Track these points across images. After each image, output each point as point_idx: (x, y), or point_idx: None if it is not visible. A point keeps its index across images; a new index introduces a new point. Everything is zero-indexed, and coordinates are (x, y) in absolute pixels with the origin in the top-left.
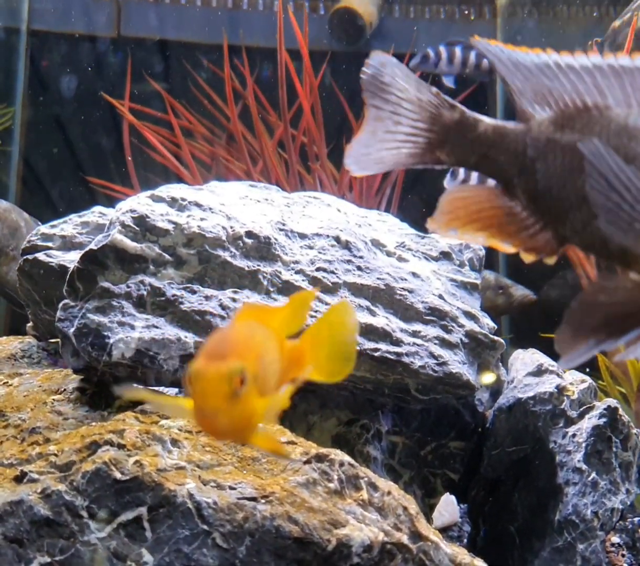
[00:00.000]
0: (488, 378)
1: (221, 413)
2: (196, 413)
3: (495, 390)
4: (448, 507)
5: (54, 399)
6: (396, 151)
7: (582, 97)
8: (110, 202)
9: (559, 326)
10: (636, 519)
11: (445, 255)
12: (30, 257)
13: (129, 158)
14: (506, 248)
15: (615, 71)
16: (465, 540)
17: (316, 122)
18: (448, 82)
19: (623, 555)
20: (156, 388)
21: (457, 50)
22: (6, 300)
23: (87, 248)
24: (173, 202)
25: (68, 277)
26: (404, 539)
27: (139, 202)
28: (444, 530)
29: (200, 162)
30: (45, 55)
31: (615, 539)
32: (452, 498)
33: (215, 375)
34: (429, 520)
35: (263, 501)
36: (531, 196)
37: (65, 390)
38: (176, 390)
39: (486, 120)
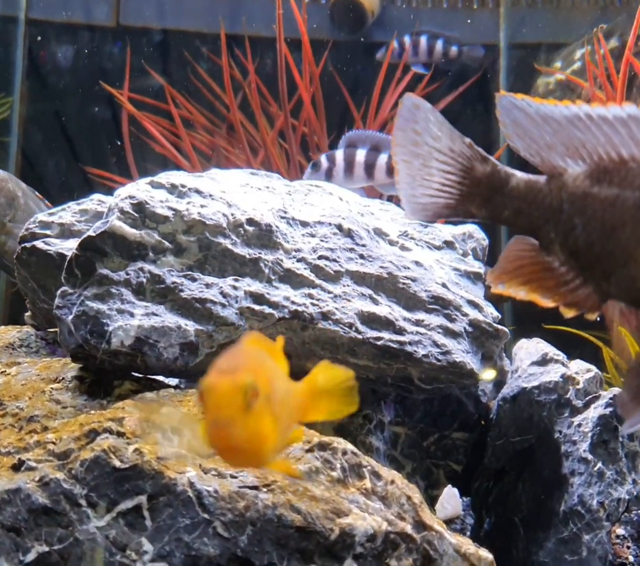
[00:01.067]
0: (488, 374)
1: (235, 426)
2: (209, 430)
3: (499, 380)
4: (451, 500)
5: (52, 388)
6: (434, 200)
7: (617, 149)
8: (110, 192)
9: (621, 389)
10: None
11: (448, 245)
12: (28, 244)
13: (128, 146)
14: (546, 302)
15: None
16: (468, 533)
17: (317, 112)
18: (417, 69)
19: (628, 547)
20: (156, 377)
21: (423, 40)
22: (5, 272)
23: (85, 235)
24: (173, 189)
25: (66, 264)
26: (408, 528)
27: (138, 189)
28: (446, 523)
29: (200, 153)
30: (43, 45)
31: (620, 531)
32: (455, 490)
33: (228, 387)
34: (433, 512)
35: (265, 490)
36: (571, 252)
37: (63, 378)
38: (176, 380)
39: (518, 174)
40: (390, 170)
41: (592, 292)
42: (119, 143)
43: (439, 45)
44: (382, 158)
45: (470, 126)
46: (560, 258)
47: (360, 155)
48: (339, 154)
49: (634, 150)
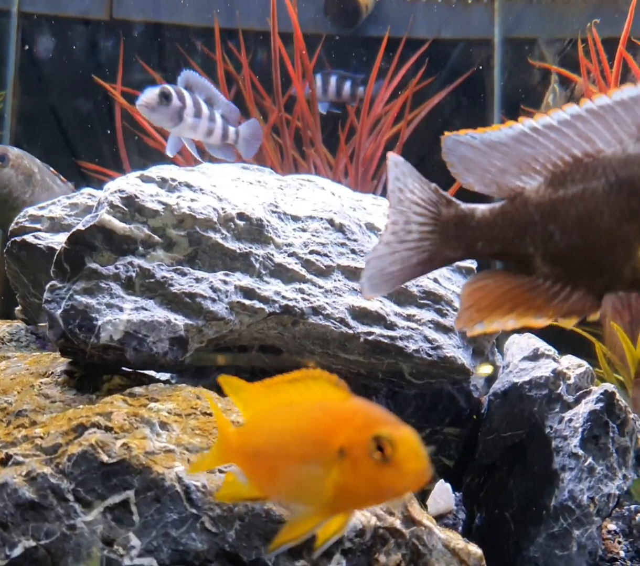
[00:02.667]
0: (484, 369)
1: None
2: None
3: (491, 375)
4: (443, 494)
5: (41, 382)
6: (406, 262)
7: (569, 152)
8: (102, 186)
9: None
10: (633, 506)
11: None
12: (18, 238)
13: (120, 141)
14: (540, 323)
15: (596, 114)
16: (460, 528)
17: (311, 106)
18: (321, 108)
19: (620, 542)
20: (145, 371)
21: (332, 80)
22: None
23: (74, 229)
24: (163, 183)
25: (55, 257)
26: (397, 524)
27: (127, 182)
28: (439, 518)
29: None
30: (36, 38)
31: (611, 526)
32: (447, 485)
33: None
34: (423, 507)
35: None
36: (554, 260)
37: (53, 373)
38: (168, 375)
39: (481, 206)
40: (225, 135)
41: (586, 294)
42: (112, 137)
43: (347, 86)
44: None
45: (464, 121)
46: (544, 271)
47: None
48: (188, 98)
49: (585, 147)
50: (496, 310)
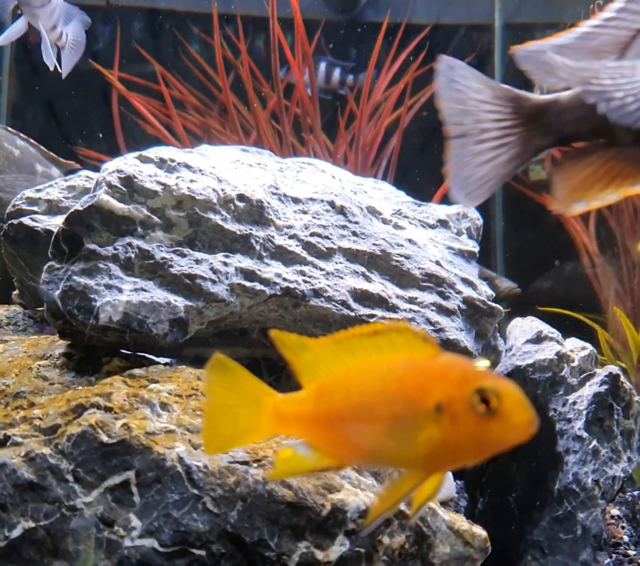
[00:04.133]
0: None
1: None
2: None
3: (494, 359)
4: (445, 482)
5: (39, 365)
6: (495, 161)
7: (630, 28)
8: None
9: None
10: (636, 492)
11: (442, 223)
12: (15, 221)
13: (117, 127)
14: None
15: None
16: (462, 515)
17: (310, 92)
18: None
19: (623, 527)
20: (145, 354)
21: (322, 66)
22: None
23: (72, 209)
24: (161, 163)
25: (53, 238)
26: (401, 505)
27: (126, 163)
28: (440, 506)
29: (192, 134)
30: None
31: (615, 511)
32: (449, 473)
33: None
34: None
35: (255, 465)
36: None
37: (51, 355)
38: (168, 359)
39: (562, 93)
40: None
41: None
42: (110, 123)
43: (336, 72)
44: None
45: None
46: (631, 137)
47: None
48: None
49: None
50: (593, 186)
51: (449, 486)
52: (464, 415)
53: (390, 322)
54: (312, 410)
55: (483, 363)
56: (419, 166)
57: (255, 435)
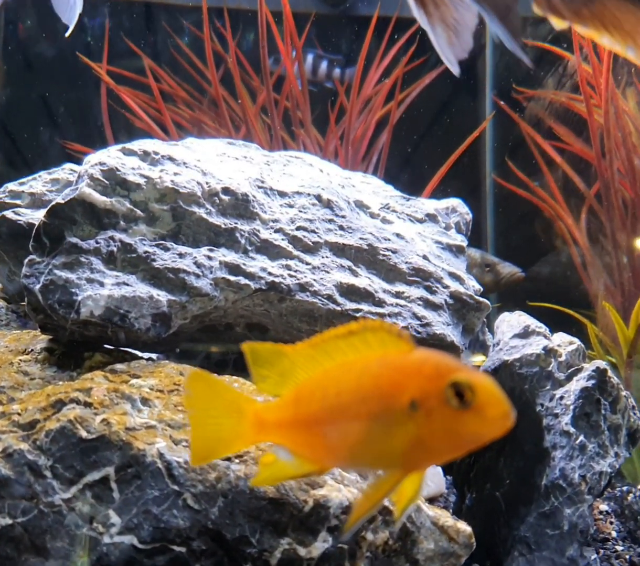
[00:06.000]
0: (479, 358)
1: None
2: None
3: (481, 354)
4: (434, 477)
5: (20, 359)
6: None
7: None
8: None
9: None
10: (625, 487)
11: (430, 218)
12: None
13: (106, 120)
14: None
15: None
16: (451, 510)
17: (300, 86)
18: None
19: (611, 523)
20: (128, 349)
21: (308, 58)
22: None
23: (54, 202)
24: (145, 156)
25: (34, 231)
26: (384, 501)
27: (108, 155)
28: (430, 501)
29: (181, 128)
30: (20, 17)
31: (603, 507)
32: (439, 468)
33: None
34: None
35: (237, 461)
36: None
37: (32, 350)
38: (153, 355)
39: None
40: None
41: None
42: (98, 116)
43: (323, 65)
44: None
45: (456, 101)
46: None
47: None
48: None
49: None
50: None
51: (439, 481)
52: (439, 410)
53: (374, 318)
54: (292, 416)
55: (477, 360)
56: (409, 160)
57: (239, 444)
